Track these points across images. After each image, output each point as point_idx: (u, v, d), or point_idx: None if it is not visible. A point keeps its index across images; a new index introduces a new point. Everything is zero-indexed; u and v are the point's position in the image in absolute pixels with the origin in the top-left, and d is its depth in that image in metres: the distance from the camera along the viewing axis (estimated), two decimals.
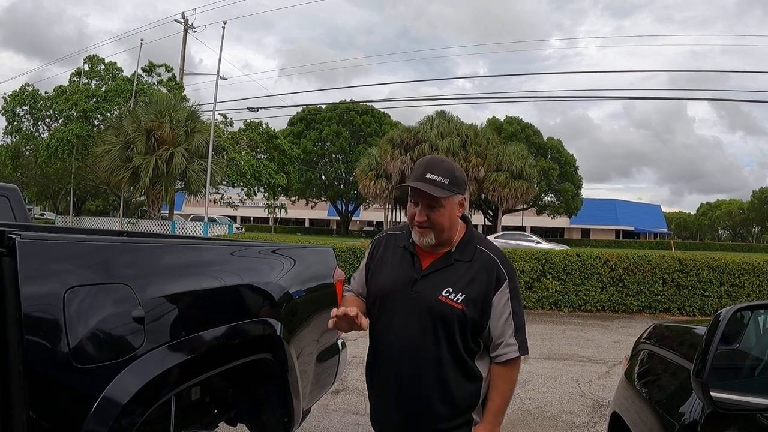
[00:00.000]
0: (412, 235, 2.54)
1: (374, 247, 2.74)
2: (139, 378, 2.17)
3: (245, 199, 38.12)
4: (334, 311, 2.34)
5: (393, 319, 2.50)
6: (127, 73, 35.96)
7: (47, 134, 35.42)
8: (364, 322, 2.41)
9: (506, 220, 64.84)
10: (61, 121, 34.59)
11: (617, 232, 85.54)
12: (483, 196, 55.26)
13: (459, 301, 2.41)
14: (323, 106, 62.39)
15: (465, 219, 2.63)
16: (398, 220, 61.17)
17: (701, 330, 3.30)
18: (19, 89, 36.65)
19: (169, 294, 2.50)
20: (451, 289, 2.43)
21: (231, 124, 36.71)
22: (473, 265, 2.49)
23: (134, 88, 33.32)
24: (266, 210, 48.46)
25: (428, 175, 2.40)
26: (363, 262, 2.75)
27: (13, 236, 1.94)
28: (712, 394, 2.06)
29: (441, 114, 51.56)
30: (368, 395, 2.72)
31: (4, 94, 37.66)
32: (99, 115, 33.92)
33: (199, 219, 36.65)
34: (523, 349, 2.49)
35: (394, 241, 2.67)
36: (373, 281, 2.64)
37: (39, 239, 2.06)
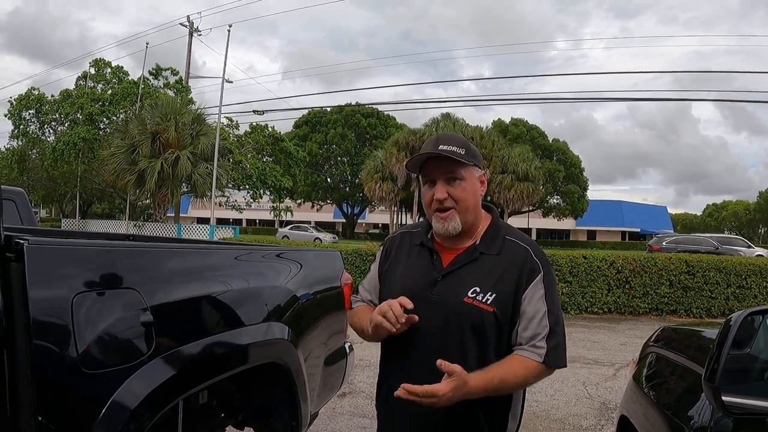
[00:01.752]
0: (432, 226, 2.25)
1: (387, 247, 2.43)
2: (147, 383, 2.16)
3: (251, 202, 38.19)
4: (390, 316, 2.03)
5: (410, 329, 2.11)
6: (131, 76, 36.09)
7: (53, 138, 35.54)
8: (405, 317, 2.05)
9: (512, 222, 64.77)
10: (67, 124, 34.71)
11: (623, 233, 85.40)
12: (489, 198, 55.21)
13: (489, 302, 2.09)
14: (328, 109, 62.44)
15: (490, 209, 2.36)
16: (404, 222, 61.19)
17: (709, 333, 3.31)
18: (25, 93, 36.77)
19: (177, 299, 2.50)
20: (478, 289, 2.10)
21: (237, 127, 36.82)
22: (503, 259, 2.17)
23: (140, 92, 33.40)
24: (272, 213, 48.49)
25: (441, 147, 2.14)
26: (374, 267, 2.45)
27: (21, 241, 1.94)
28: (723, 398, 2.05)
29: (446, 116, 51.62)
30: (378, 424, 2.39)
31: (10, 97, 37.83)
32: (105, 119, 34.02)
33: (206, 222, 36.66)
34: (553, 358, 2.10)
35: (410, 238, 2.36)
36: (386, 286, 2.31)
37: (47, 244, 2.06)
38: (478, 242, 2.22)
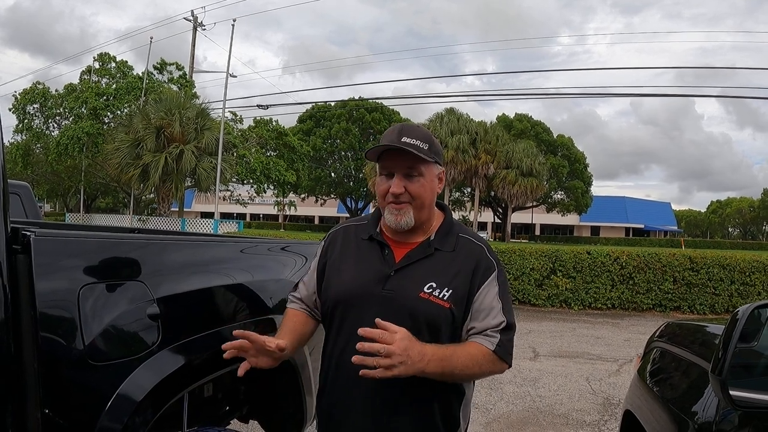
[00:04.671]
0: (383, 218, 2.16)
1: (329, 242, 2.30)
2: (153, 375, 2.17)
3: (255, 197, 38.20)
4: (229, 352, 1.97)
5: (359, 327, 1.93)
6: (134, 71, 36.03)
7: (57, 132, 35.54)
8: (276, 342, 2.01)
9: (516, 217, 64.87)
10: (71, 119, 34.68)
11: (627, 229, 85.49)
12: (492, 193, 55.28)
13: (446, 299, 2.01)
14: (332, 104, 62.39)
15: (443, 207, 2.29)
16: None
17: (713, 328, 3.30)
18: (30, 87, 36.71)
19: (184, 291, 2.50)
20: (434, 284, 2.03)
21: (241, 121, 36.76)
22: (457, 255, 2.11)
23: (144, 86, 33.39)
24: (275, 207, 48.51)
25: (404, 139, 2.02)
26: (313, 262, 2.31)
27: (28, 233, 1.95)
28: (730, 391, 2.05)
29: (450, 111, 51.61)
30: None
31: (15, 92, 37.80)
32: (109, 113, 34.01)
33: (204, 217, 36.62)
34: (504, 350, 2.04)
35: (355, 232, 2.26)
36: (330, 283, 2.18)
37: (53, 236, 2.06)
38: (432, 238, 2.15)
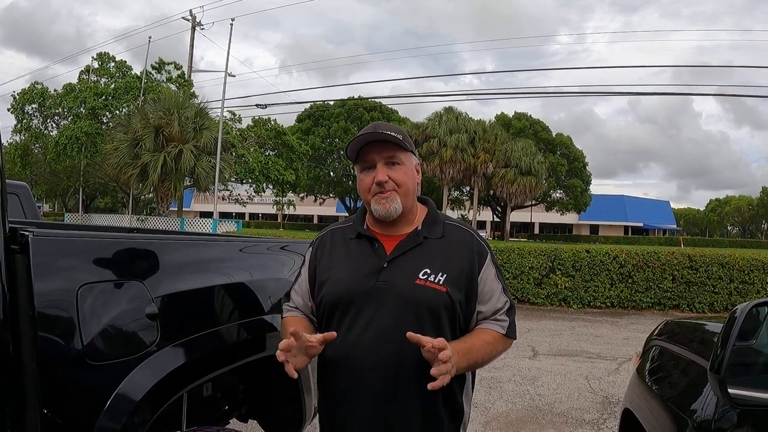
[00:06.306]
0: (370, 212, 2.18)
1: (316, 246, 2.32)
2: (152, 375, 2.17)
3: (254, 196, 38.22)
4: (280, 354, 1.92)
5: (357, 322, 2.05)
6: (133, 71, 36.01)
7: (56, 132, 35.53)
8: (316, 337, 1.95)
9: (515, 216, 64.85)
10: (70, 118, 34.67)
11: (626, 228, 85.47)
12: (491, 192, 55.24)
13: (441, 283, 2.05)
14: (331, 103, 62.29)
15: (425, 200, 2.33)
16: None
17: (712, 326, 3.30)
18: (29, 87, 36.74)
19: (183, 291, 2.50)
20: (428, 270, 2.06)
21: (239, 120, 36.75)
22: (447, 241, 2.16)
23: (143, 86, 33.38)
24: (274, 206, 48.51)
25: (380, 131, 2.11)
26: (303, 269, 2.32)
27: (26, 233, 1.95)
28: (729, 390, 2.05)
29: (449, 110, 51.57)
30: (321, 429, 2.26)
31: (13, 91, 37.79)
32: (108, 113, 33.99)
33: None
34: (512, 330, 2.15)
35: (342, 233, 2.29)
36: (325, 284, 2.19)
37: (52, 236, 2.06)
38: (420, 227, 2.19)
